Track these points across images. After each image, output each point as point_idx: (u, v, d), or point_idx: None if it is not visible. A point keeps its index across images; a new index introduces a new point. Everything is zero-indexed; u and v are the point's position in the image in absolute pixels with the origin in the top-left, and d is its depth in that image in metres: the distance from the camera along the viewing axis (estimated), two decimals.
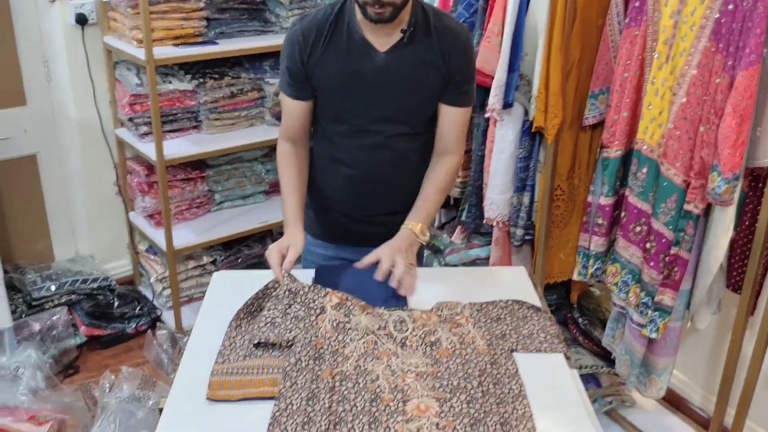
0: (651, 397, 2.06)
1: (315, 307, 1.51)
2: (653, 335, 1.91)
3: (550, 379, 1.41)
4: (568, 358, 1.49)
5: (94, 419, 2.30)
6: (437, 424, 1.27)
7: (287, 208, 1.74)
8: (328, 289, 1.54)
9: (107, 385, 2.41)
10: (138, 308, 2.99)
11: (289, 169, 1.78)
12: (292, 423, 1.26)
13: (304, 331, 1.46)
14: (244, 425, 1.27)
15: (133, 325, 2.95)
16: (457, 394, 1.34)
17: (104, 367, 2.66)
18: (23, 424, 2.14)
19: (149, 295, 3.09)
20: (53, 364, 2.64)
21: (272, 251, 1.61)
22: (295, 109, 1.75)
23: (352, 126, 1.73)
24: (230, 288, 1.73)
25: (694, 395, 2.45)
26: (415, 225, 1.71)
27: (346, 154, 1.77)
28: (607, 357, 2.39)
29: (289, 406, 1.30)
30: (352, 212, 1.84)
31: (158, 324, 2.96)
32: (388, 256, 1.61)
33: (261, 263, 2.98)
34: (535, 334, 1.54)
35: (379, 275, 1.59)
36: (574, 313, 2.48)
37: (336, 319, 1.49)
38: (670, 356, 1.98)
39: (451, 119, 1.75)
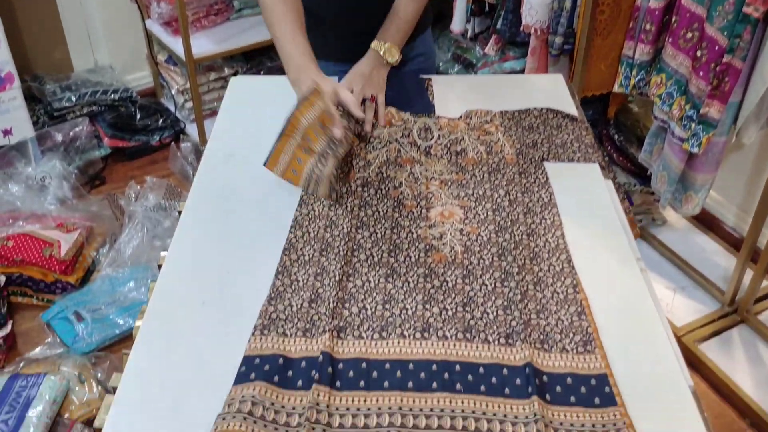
0: (686, 213, 2.00)
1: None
2: (695, 150, 1.81)
3: (582, 189, 1.34)
4: (603, 167, 1.40)
5: (122, 227, 2.32)
6: (461, 230, 1.22)
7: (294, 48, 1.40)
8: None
9: (133, 195, 2.41)
10: (161, 120, 2.94)
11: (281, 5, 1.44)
12: (314, 226, 1.22)
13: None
14: (264, 228, 1.23)
15: (157, 138, 2.91)
16: (483, 203, 1.29)
17: (130, 179, 2.66)
18: (52, 231, 2.16)
19: (171, 108, 3.03)
20: (79, 175, 2.64)
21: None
22: None
23: None
24: (248, 93, 1.65)
25: (728, 215, 2.39)
26: (378, 44, 1.52)
27: None
28: (640, 175, 2.32)
29: (311, 212, 1.26)
30: (345, 28, 1.66)
31: (182, 136, 2.92)
32: (346, 86, 1.45)
33: (282, 74, 2.86)
34: (569, 143, 1.45)
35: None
36: (610, 130, 2.37)
37: (358, 129, 1.41)
38: (710, 172, 1.89)
39: None
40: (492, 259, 1.16)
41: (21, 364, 1.90)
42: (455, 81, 1.70)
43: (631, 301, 1.10)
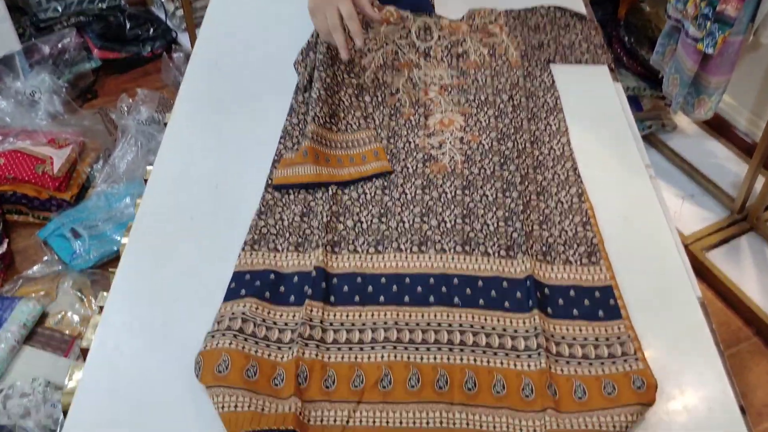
0: (698, 118, 1.92)
1: None
2: (709, 50, 1.71)
3: (590, 93, 1.27)
4: (612, 70, 1.33)
5: (116, 142, 2.26)
6: (461, 139, 1.16)
7: None
8: None
9: (125, 108, 2.34)
10: (152, 30, 2.82)
11: None
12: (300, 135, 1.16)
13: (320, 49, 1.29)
14: (253, 140, 1.17)
15: (149, 48, 2.80)
16: (485, 109, 1.22)
17: (123, 92, 2.57)
18: (43, 147, 2.11)
19: (162, 16, 2.90)
20: (70, 89, 2.56)
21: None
22: None
23: None
24: None
25: (740, 119, 2.30)
26: None
27: None
28: (651, 79, 2.22)
29: (302, 121, 1.19)
30: None
31: (174, 47, 2.81)
32: None
33: None
34: (577, 44, 1.36)
35: None
36: (620, 31, 2.26)
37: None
38: (725, 75, 1.80)
39: None
40: (493, 168, 1.11)
41: (19, 282, 1.89)
42: None
43: (639, 211, 1.05)
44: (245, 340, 0.85)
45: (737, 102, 2.30)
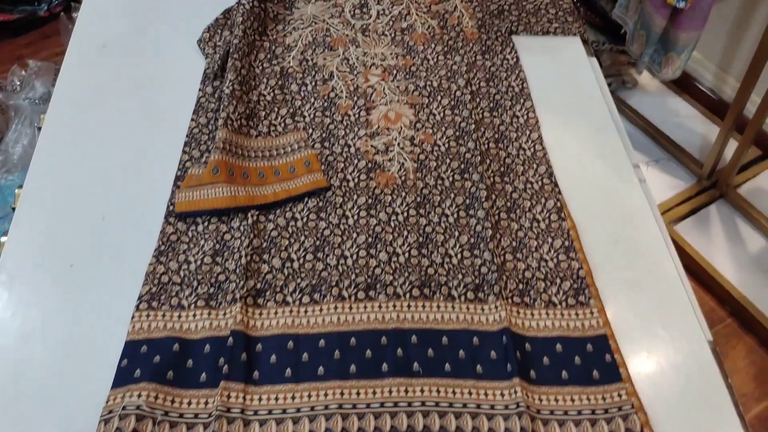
0: (665, 78, 1.73)
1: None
2: (681, 4, 1.52)
3: (561, 71, 1.06)
4: (585, 42, 1.12)
5: (8, 124, 1.96)
6: (411, 139, 0.94)
7: None
8: None
9: (17, 83, 2.02)
10: None
11: None
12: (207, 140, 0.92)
13: (240, 21, 1.04)
14: (146, 129, 0.93)
15: (45, 7, 2.45)
16: (438, 98, 1.00)
17: (18, 59, 2.24)
18: None
19: None
20: None
21: None
22: None
23: None
24: None
25: (705, 74, 2.13)
26: None
27: None
28: (610, 31, 2.02)
29: (211, 121, 0.95)
30: None
31: (73, 5, 2.46)
32: None
33: None
34: (543, 9, 1.15)
35: None
36: None
37: (274, 11, 1.09)
38: (696, 29, 1.60)
39: None
40: (453, 178, 0.90)
41: None
42: None
43: (630, 229, 0.86)
44: None
45: (702, 55, 2.13)
